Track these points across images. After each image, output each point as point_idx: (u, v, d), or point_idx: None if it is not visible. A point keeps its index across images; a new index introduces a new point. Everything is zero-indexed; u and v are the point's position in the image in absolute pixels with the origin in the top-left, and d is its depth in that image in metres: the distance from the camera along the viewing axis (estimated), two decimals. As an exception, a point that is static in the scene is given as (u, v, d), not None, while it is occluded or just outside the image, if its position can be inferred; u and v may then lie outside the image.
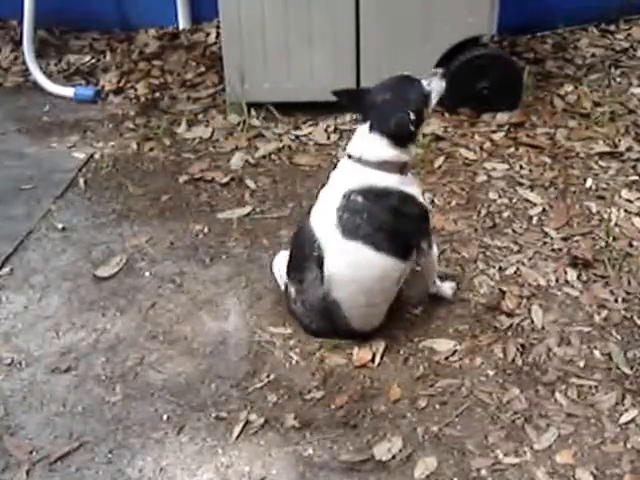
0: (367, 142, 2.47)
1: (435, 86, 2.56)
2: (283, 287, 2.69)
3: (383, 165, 2.45)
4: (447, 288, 2.77)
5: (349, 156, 2.52)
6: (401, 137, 2.46)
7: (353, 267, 2.46)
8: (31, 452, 2.27)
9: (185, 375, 2.52)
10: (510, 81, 3.88)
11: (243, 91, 3.79)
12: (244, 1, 3.68)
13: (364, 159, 2.46)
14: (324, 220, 2.49)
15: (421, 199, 2.56)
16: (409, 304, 2.76)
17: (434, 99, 2.56)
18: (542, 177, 3.44)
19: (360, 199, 2.44)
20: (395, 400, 2.41)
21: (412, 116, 2.44)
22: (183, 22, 4.71)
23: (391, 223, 2.46)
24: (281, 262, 2.70)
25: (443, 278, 2.78)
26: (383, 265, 2.48)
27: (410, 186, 2.52)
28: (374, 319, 2.60)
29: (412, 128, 2.45)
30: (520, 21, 4.42)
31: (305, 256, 2.52)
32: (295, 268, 2.59)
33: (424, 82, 2.54)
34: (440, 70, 2.64)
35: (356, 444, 2.28)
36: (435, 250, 2.68)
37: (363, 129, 2.49)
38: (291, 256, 2.63)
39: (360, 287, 2.48)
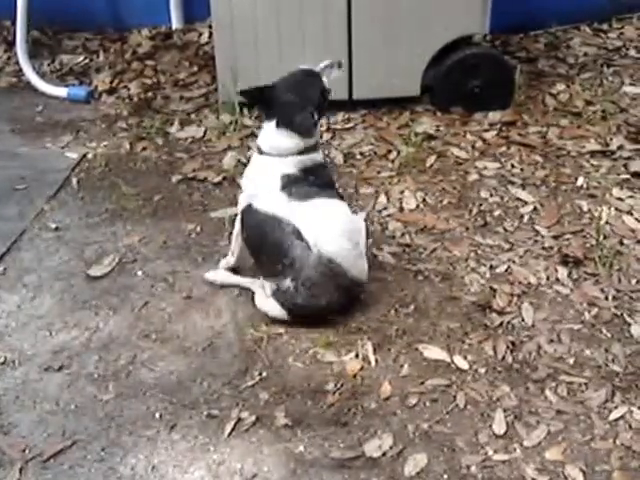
0: (276, 138, 2.71)
1: (333, 78, 2.81)
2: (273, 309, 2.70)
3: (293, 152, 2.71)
4: None
5: (261, 151, 2.76)
6: (307, 131, 2.70)
7: (326, 217, 2.66)
8: (24, 450, 2.28)
9: (177, 373, 2.53)
10: (502, 80, 3.90)
11: (235, 90, 3.79)
12: (236, 1, 3.69)
13: (276, 153, 2.71)
14: (277, 203, 2.66)
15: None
16: (400, 302, 2.78)
17: (331, 90, 2.78)
18: (533, 176, 3.45)
19: (298, 173, 2.70)
20: (386, 397, 2.42)
21: (315, 114, 2.68)
22: (176, 22, 4.74)
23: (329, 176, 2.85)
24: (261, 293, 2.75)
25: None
26: (343, 205, 2.74)
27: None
28: (363, 262, 2.70)
29: (315, 123, 2.71)
30: (512, 20, 4.44)
31: (280, 241, 2.62)
32: (276, 261, 2.63)
33: (324, 77, 2.77)
34: (335, 61, 2.84)
35: (347, 441, 2.29)
36: None
37: (270, 126, 2.72)
38: (262, 258, 2.72)
39: (340, 230, 2.65)
